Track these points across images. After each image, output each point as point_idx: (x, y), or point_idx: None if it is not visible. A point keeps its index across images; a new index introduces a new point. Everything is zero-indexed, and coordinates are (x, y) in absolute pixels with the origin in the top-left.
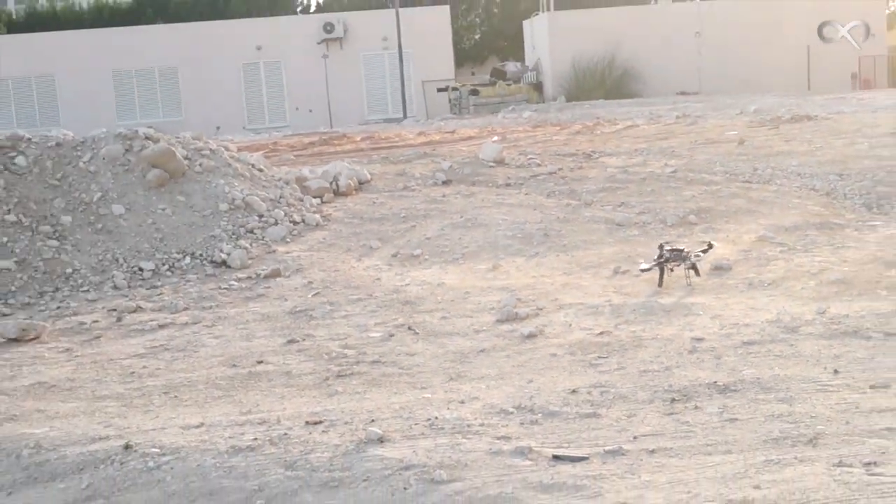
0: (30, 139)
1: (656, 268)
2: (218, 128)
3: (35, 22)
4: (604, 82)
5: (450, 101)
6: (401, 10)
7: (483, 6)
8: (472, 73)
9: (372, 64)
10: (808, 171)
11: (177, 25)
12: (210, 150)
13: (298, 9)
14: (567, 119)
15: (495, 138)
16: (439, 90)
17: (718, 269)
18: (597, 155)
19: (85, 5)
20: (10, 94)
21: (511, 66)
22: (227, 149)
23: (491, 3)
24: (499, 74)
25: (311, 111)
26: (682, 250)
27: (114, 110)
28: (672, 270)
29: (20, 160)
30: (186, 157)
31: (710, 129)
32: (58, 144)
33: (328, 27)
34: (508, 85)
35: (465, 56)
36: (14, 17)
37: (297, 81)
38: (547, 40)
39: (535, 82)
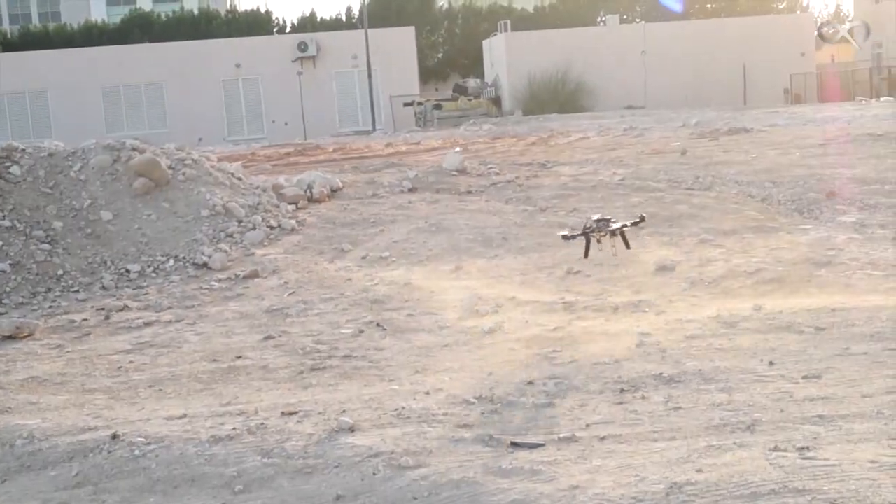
0: (24, 150)
1: (581, 237)
2: (200, 139)
3: (29, 41)
4: (557, 97)
5: (415, 114)
6: (369, 30)
7: (445, 27)
8: (436, 89)
9: (343, 80)
10: (745, 179)
11: (162, 45)
12: (193, 160)
13: (275, 29)
14: (524, 131)
15: (457, 149)
16: (405, 105)
17: (663, 268)
18: (551, 164)
19: (76, 26)
20: (5, 109)
21: (472, 83)
22: (208, 159)
23: (453, 24)
24: (460, 90)
25: (286, 124)
26: (608, 220)
27: (103, 123)
28: (599, 241)
29: (15, 169)
30: (171, 167)
31: (655, 141)
32: (50, 154)
33: (302, 46)
34: (469, 100)
35: (429, 73)
36: (9, 36)
37: (274, 96)
38: (505, 59)
39: (494, 97)
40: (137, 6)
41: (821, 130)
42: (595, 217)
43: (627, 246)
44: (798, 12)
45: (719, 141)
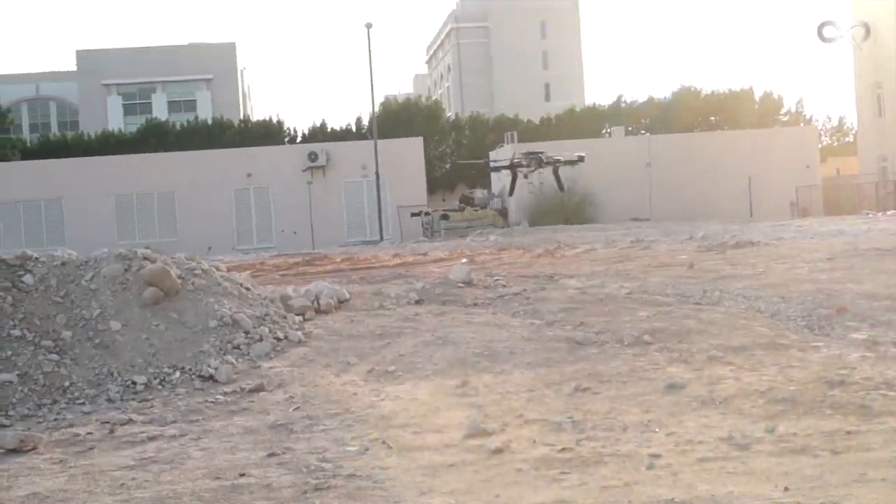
0: (37, 258)
1: (508, 171)
2: (209, 248)
3: (47, 149)
4: (563, 209)
5: (422, 225)
6: (378, 141)
7: (453, 138)
8: (444, 199)
9: (352, 190)
10: (753, 294)
11: (175, 154)
12: (202, 269)
13: (286, 139)
14: (530, 243)
15: (464, 260)
16: (413, 215)
17: (672, 386)
18: (558, 277)
19: (93, 135)
20: (20, 216)
21: (478, 193)
22: (217, 269)
23: (461, 136)
24: (467, 201)
25: (295, 233)
26: (540, 153)
27: (115, 231)
28: (526, 177)
29: (27, 278)
30: (180, 277)
31: (662, 254)
32: (63, 264)
33: (312, 156)
34: (476, 210)
35: (436, 183)
36: (28, 145)
37: (283, 205)
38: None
39: (500, 208)
40: (153, 116)
41: (828, 244)
42: (525, 151)
43: (561, 187)
44: (801, 125)
45: (726, 255)
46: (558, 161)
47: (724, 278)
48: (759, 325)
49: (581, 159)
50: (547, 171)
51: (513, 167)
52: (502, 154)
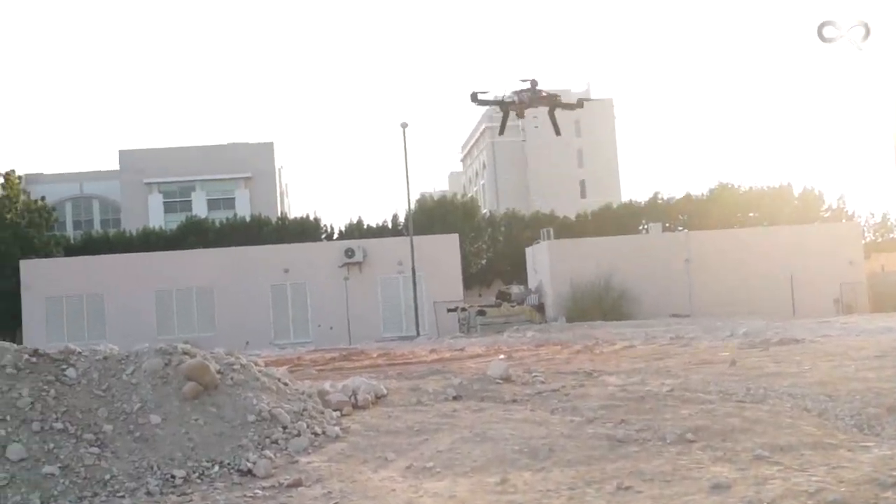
0: (80, 353)
1: (497, 107)
2: (247, 343)
3: (90, 246)
4: (601, 304)
5: (459, 320)
6: (415, 237)
7: (489, 234)
8: (480, 295)
9: (388, 286)
10: (799, 392)
11: (214, 250)
12: (241, 364)
13: (323, 236)
14: (568, 339)
15: (502, 356)
16: (449, 310)
17: (717, 486)
18: (597, 374)
19: (134, 232)
20: (63, 311)
21: (515, 289)
22: (255, 363)
23: (496, 231)
24: (504, 296)
25: (331, 328)
26: (540, 89)
27: (154, 325)
28: (521, 116)
29: (70, 372)
30: (219, 371)
31: (703, 351)
32: (105, 358)
33: (349, 252)
34: (513, 306)
35: (472, 279)
36: (72, 241)
37: (320, 301)
38: (548, 265)
39: (537, 304)
40: (193, 213)
41: (875, 342)
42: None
43: (557, 131)
44: (843, 220)
45: (770, 352)
46: (556, 97)
47: (769, 376)
48: (806, 423)
49: (580, 104)
50: (543, 113)
51: (503, 105)
52: (539, 250)
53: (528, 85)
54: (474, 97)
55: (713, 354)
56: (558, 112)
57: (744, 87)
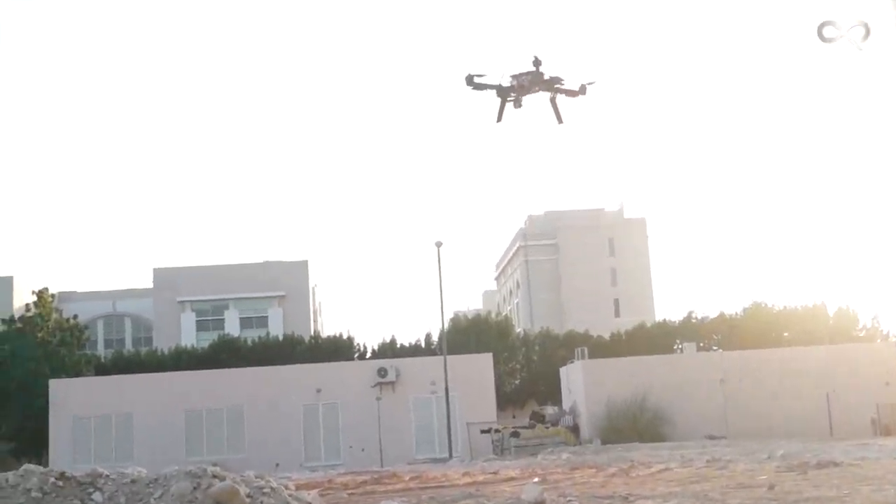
0: (108, 476)
1: (493, 91)
2: (277, 465)
3: (121, 364)
4: (636, 425)
5: (492, 442)
6: (448, 357)
7: (523, 353)
8: (514, 416)
9: (421, 406)
10: None
11: (244, 370)
12: (271, 488)
13: (356, 355)
14: (603, 461)
15: (536, 480)
16: (482, 432)
17: None
18: (633, 498)
19: (166, 350)
20: (91, 431)
21: (549, 410)
22: (286, 487)
23: (531, 351)
24: (538, 417)
25: (363, 450)
26: (541, 73)
27: (183, 447)
28: (519, 105)
29: (97, 496)
30: (249, 495)
31: (740, 474)
32: (132, 481)
33: (382, 372)
34: (547, 427)
35: (506, 399)
36: (103, 360)
37: (352, 422)
38: (582, 385)
39: (571, 425)
40: (226, 332)
41: None
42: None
43: (559, 119)
44: (878, 340)
45: (808, 475)
46: (559, 80)
47: (808, 500)
48: None
49: (583, 90)
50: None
51: (500, 90)
52: (573, 370)
53: (530, 75)
54: (470, 80)
55: (751, 478)
56: (561, 110)
57: (778, 204)
